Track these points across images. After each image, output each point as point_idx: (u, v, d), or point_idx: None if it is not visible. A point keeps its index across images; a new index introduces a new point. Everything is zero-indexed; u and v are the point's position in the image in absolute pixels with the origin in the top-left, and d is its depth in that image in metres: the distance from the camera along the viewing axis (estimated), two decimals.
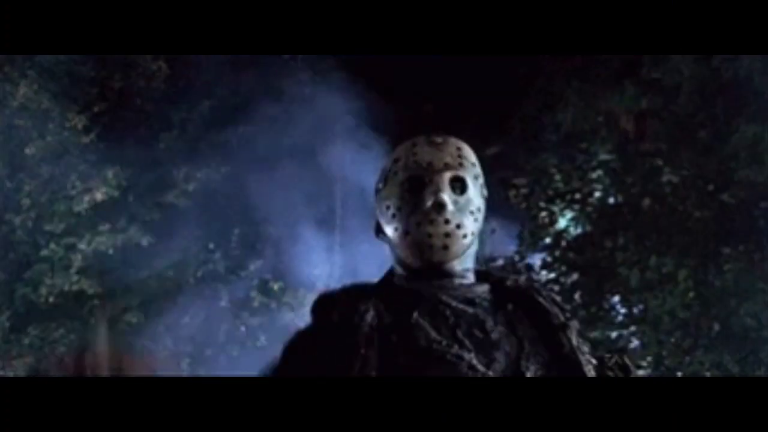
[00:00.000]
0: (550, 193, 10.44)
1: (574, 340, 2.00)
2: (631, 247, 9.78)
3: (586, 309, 9.86)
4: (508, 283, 2.07)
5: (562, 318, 2.01)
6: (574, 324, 2.04)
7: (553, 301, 2.06)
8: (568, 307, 2.09)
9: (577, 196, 10.32)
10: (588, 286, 9.93)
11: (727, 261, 9.29)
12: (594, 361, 2.00)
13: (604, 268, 9.86)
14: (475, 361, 1.90)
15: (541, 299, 2.04)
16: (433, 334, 1.92)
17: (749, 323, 9.14)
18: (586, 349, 2.01)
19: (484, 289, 2.04)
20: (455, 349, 1.90)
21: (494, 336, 1.95)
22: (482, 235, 2.14)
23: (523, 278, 2.10)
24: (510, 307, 2.01)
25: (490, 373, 1.90)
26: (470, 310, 1.98)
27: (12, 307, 10.68)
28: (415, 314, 1.94)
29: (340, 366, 1.89)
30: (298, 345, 1.99)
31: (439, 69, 9.76)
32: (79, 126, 10.64)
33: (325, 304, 2.01)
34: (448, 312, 1.96)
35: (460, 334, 1.93)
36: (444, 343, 1.91)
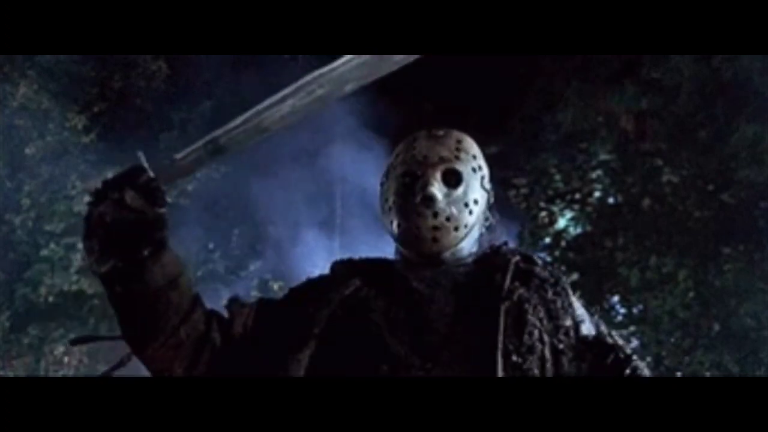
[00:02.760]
0: (550, 193, 10.44)
1: (576, 303, 2.08)
2: (631, 247, 9.77)
3: (586, 309, 9.85)
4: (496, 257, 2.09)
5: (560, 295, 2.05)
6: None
7: (548, 276, 2.08)
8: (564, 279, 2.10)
9: (577, 196, 10.31)
10: (588, 286, 9.92)
11: (727, 261, 9.29)
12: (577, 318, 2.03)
13: (604, 268, 9.85)
14: (411, 356, 1.93)
15: (537, 269, 2.07)
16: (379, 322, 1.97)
17: (749, 323, 9.14)
18: (579, 312, 2.07)
19: (465, 270, 2.06)
20: (393, 339, 1.94)
21: (436, 324, 1.97)
22: (493, 226, 2.17)
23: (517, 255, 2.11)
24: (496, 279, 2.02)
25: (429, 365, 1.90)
26: (430, 291, 2.01)
27: (12, 307, 10.67)
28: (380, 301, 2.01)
29: (301, 317, 2.00)
30: (294, 289, 2.15)
31: (439, 69, 9.75)
32: (79, 126, 10.63)
33: (334, 265, 2.17)
34: (416, 296, 2.01)
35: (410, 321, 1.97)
36: (386, 330, 1.95)
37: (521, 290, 1.99)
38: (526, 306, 1.97)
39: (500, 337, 1.91)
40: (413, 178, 2.07)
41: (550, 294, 2.02)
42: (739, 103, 9.19)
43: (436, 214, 2.04)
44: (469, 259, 2.10)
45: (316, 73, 2.03)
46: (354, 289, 2.04)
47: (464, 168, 2.09)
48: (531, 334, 1.94)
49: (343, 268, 2.12)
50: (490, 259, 2.09)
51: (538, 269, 2.05)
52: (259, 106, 2.07)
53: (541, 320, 1.97)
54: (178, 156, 2.06)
